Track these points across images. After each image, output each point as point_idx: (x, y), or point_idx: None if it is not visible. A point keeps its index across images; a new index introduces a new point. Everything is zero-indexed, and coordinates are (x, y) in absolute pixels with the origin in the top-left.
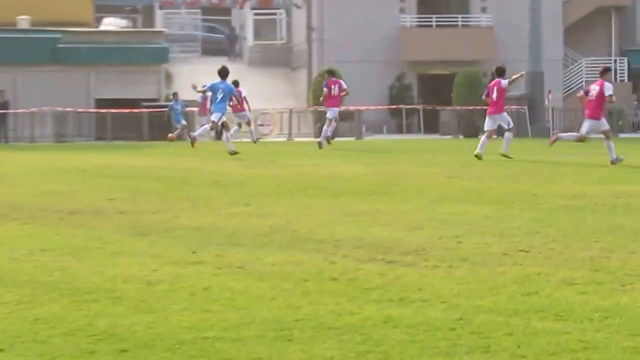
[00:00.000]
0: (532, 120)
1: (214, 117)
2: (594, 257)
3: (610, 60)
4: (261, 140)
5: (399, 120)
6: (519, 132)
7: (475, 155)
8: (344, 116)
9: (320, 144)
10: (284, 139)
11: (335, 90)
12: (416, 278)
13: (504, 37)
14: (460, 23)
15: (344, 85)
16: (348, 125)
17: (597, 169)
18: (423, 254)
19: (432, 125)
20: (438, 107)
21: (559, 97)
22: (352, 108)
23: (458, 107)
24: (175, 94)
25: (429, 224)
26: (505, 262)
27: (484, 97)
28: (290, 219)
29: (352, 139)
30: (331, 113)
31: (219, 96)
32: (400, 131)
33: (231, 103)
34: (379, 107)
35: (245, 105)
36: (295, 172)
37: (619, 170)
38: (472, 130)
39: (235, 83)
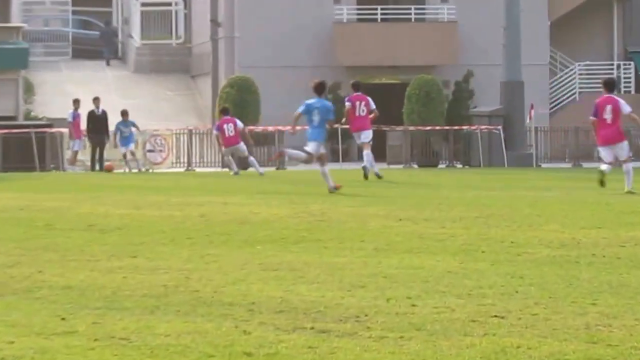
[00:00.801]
0: (508, 144)
1: (311, 147)
2: (590, 325)
3: (612, 65)
4: (151, 170)
5: (332, 143)
6: (492, 159)
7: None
8: (261, 140)
9: (378, 175)
10: (182, 169)
11: (362, 109)
12: (356, 353)
13: (470, 35)
14: (413, 16)
15: (372, 105)
16: (266, 151)
17: (594, 207)
18: (365, 320)
19: (376, 151)
20: (384, 127)
21: (545, 113)
22: (270, 129)
23: (411, 127)
24: (124, 112)
25: (372, 281)
26: (473, 331)
27: (591, 117)
28: (191, 274)
29: (271, 169)
30: (365, 136)
31: (315, 119)
32: (335, 159)
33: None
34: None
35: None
36: (196, 214)
37: (623, 209)
38: (428, 157)
39: (225, 110)
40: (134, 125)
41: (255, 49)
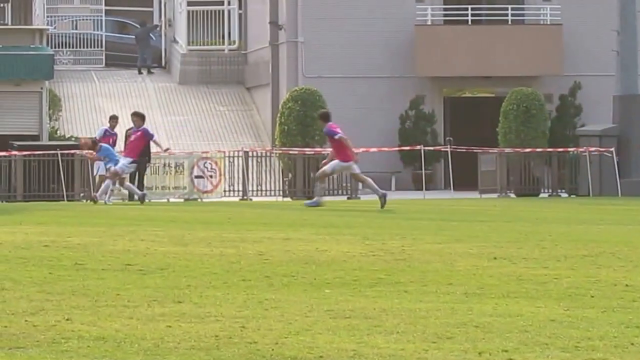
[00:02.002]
0: (623, 169)
1: None
2: None
3: None
4: (200, 200)
5: (414, 168)
6: (603, 187)
7: None
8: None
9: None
10: (236, 199)
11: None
12: None
13: (577, 40)
14: (510, 18)
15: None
16: (336, 178)
17: None
18: None
19: (466, 177)
20: (476, 149)
21: None
22: None
23: (507, 150)
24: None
25: (461, 331)
26: None
27: None
28: (247, 323)
29: (342, 197)
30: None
31: None
32: (417, 186)
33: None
34: (384, 149)
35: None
36: (253, 251)
37: None
38: (527, 184)
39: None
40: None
41: (323, 57)
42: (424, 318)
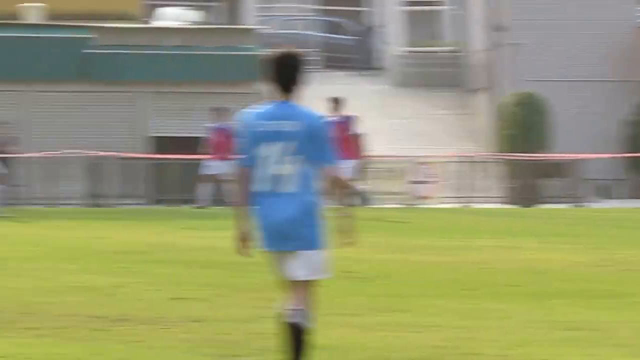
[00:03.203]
0: None
1: None
2: None
3: None
4: (417, 205)
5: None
6: None
7: None
8: (552, 170)
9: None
10: (456, 205)
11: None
12: None
13: None
14: None
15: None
16: (559, 185)
17: None
18: None
19: None
20: None
21: None
22: (568, 157)
23: None
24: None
25: None
26: None
27: None
28: (468, 333)
29: (566, 205)
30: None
31: None
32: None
33: None
34: (607, 155)
35: None
36: (474, 260)
37: None
38: None
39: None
40: None
41: (543, 60)
42: None
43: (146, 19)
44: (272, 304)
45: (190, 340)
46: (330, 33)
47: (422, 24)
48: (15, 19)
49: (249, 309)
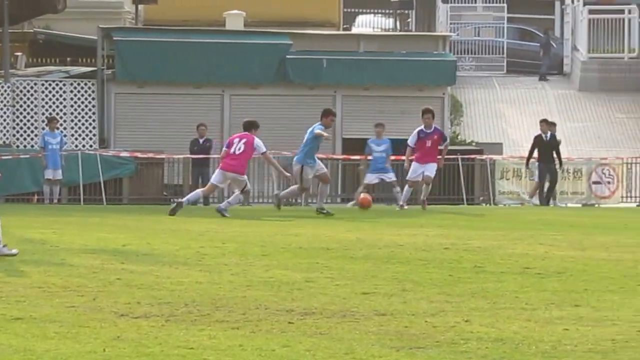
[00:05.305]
0: None
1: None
2: None
3: None
4: (597, 205)
5: None
6: None
7: None
8: None
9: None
10: (634, 205)
11: (238, 147)
12: None
13: None
14: None
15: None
16: None
17: None
18: None
19: None
20: None
21: None
22: None
23: None
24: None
25: None
26: None
27: None
28: None
29: None
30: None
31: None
32: None
33: None
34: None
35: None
36: None
37: None
38: None
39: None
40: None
41: None
42: None
43: (346, 26)
44: (452, 299)
45: (376, 332)
46: (518, 39)
47: (606, 31)
48: (220, 25)
49: (431, 303)
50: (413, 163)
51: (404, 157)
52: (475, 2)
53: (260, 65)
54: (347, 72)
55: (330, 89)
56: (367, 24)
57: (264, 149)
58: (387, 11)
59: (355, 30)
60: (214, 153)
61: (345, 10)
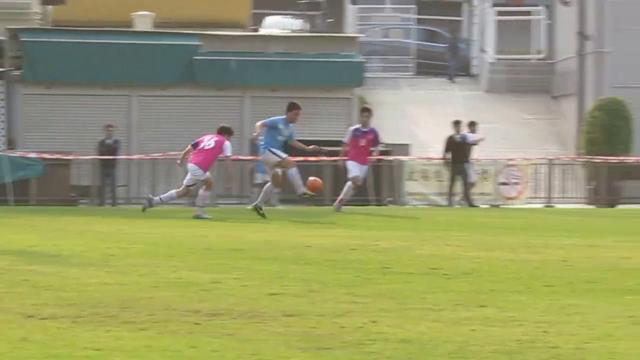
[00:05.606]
0: None
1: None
2: None
3: None
4: (504, 206)
5: None
6: None
7: None
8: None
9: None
10: (540, 205)
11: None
12: None
13: None
14: None
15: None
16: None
17: None
18: None
19: None
20: None
21: None
22: None
23: None
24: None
25: None
26: None
27: None
28: (549, 328)
29: None
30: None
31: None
32: None
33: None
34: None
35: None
36: (556, 258)
37: None
38: None
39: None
40: None
41: (629, 67)
42: None
43: (254, 27)
44: (360, 299)
45: (284, 333)
46: (426, 40)
47: (514, 33)
48: (127, 26)
49: (338, 304)
50: (349, 162)
51: (313, 158)
52: (384, 4)
53: (168, 66)
54: (255, 73)
55: (238, 90)
56: (276, 25)
57: (229, 154)
58: (296, 12)
59: (263, 31)
60: (121, 154)
61: (254, 11)
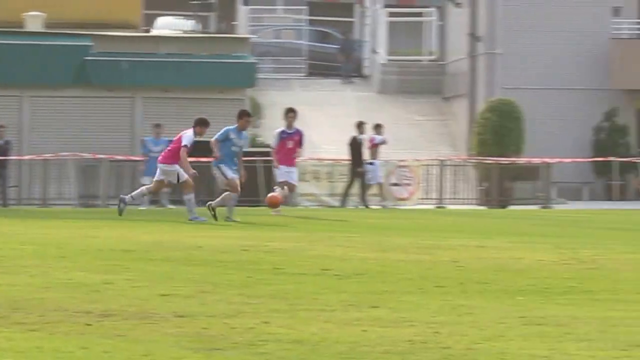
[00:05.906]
0: None
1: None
2: None
3: None
4: (394, 207)
5: (607, 180)
6: None
7: None
8: (523, 173)
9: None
10: (432, 206)
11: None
12: None
13: None
14: None
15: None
16: (530, 187)
17: None
18: None
19: None
20: None
21: None
22: (536, 160)
23: None
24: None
25: None
26: None
27: None
28: (441, 328)
29: (535, 207)
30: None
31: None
32: (609, 197)
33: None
34: (577, 159)
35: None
36: (448, 258)
37: None
38: None
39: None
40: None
41: (519, 68)
42: (615, 326)
43: (146, 28)
44: (251, 300)
45: (175, 334)
46: (318, 41)
47: (405, 34)
48: (18, 27)
49: (229, 305)
50: (279, 166)
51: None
52: (276, 5)
53: (60, 67)
54: (147, 74)
55: (129, 90)
56: (168, 26)
57: (185, 143)
58: (188, 13)
59: (155, 32)
60: (12, 154)
61: (146, 12)
